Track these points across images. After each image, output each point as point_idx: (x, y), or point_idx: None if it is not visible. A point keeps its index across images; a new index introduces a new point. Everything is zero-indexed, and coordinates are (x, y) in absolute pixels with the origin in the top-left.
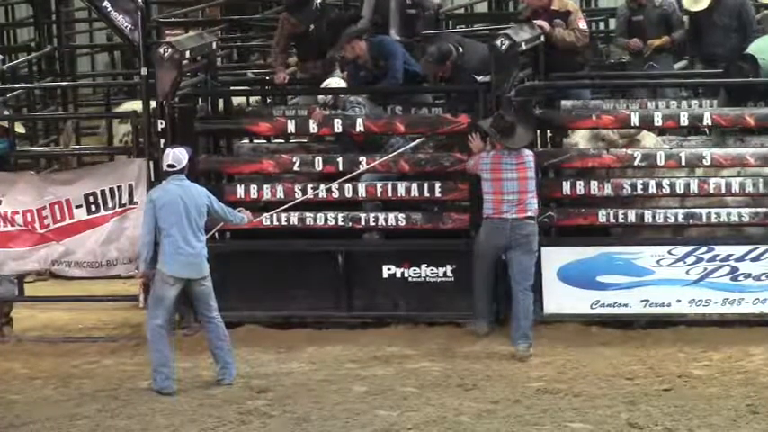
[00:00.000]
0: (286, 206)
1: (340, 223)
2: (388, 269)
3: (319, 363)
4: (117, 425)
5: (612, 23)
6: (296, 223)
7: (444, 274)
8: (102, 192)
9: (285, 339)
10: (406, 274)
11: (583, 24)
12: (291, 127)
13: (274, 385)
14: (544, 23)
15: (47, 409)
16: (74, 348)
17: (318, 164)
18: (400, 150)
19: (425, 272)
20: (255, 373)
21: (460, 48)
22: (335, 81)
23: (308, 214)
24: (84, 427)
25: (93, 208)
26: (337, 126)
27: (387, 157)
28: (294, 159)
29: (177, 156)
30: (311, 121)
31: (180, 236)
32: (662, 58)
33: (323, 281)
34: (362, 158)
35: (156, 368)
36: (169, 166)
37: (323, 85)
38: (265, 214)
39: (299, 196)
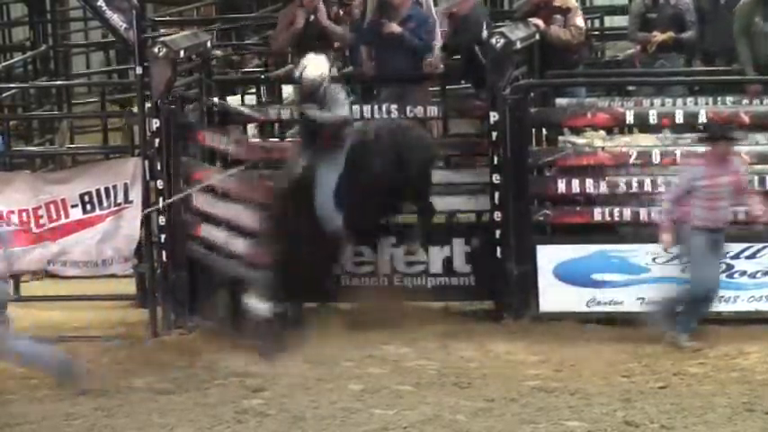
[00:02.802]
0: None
1: None
2: None
3: (315, 361)
4: (113, 424)
5: (608, 21)
6: None
7: None
8: (98, 191)
9: None
10: None
11: (580, 22)
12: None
13: (270, 384)
14: (539, 21)
15: (43, 409)
16: (69, 348)
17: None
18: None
19: None
20: (251, 373)
21: None
22: (315, 62)
23: None
24: (80, 426)
25: (88, 207)
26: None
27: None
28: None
29: None
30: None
31: None
32: (671, 57)
33: None
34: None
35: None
36: None
37: (301, 65)
38: None
39: None
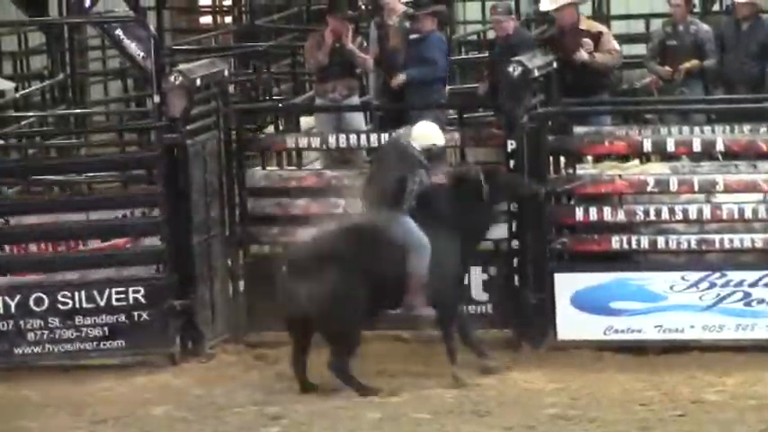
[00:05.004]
0: None
1: None
2: None
3: (333, 389)
4: None
5: (626, 49)
6: None
7: None
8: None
9: None
10: None
11: (616, 45)
12: None
13: (288, 412)
14: (584, 54)
15: None
16: (87, 374)
17: None
18: None
19: None
20: (269, 400)
21: None
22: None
23: None
24: None
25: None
26: None
27: None
28: None
29: None
30: None
31: None
32: (692, 84)
33: None
34: None
35: None
36: None
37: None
38: None
39: None
